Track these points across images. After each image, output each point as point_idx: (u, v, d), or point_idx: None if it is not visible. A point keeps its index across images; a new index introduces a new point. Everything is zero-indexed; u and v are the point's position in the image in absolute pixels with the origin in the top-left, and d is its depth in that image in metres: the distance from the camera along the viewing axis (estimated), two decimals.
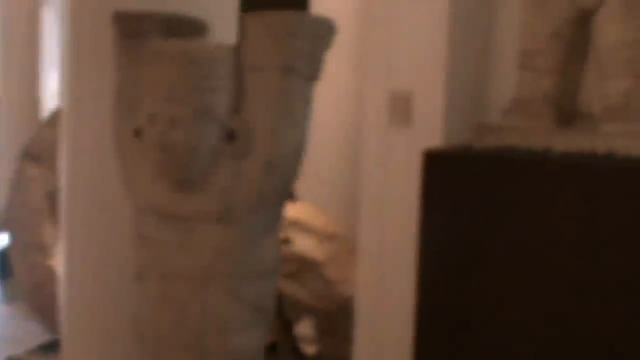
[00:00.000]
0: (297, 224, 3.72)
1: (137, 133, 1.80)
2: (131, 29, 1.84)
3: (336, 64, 3.18)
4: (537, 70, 2.11)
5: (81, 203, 2.39)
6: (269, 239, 1.82)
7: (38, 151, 4.07)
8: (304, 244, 3.79)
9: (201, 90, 1.70)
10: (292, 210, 3.44)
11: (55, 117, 3.99)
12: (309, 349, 4.03)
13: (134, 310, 1.89)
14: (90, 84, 2.37)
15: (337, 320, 3.63)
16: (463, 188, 1.92)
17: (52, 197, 3.88)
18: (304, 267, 3.73)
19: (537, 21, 2.10)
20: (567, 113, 2.10)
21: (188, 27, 1.92)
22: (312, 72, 1.76)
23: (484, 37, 2.37)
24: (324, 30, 1.76)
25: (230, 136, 1.74)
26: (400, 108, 2.47)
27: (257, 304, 1.82)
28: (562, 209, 1.84)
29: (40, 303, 3.92)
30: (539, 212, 1.86)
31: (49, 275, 3.83)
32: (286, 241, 3.67)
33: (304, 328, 4.02)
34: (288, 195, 1.84)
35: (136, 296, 1.89)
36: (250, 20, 1.75)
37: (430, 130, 2.42)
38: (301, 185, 3.92)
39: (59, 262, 3.42)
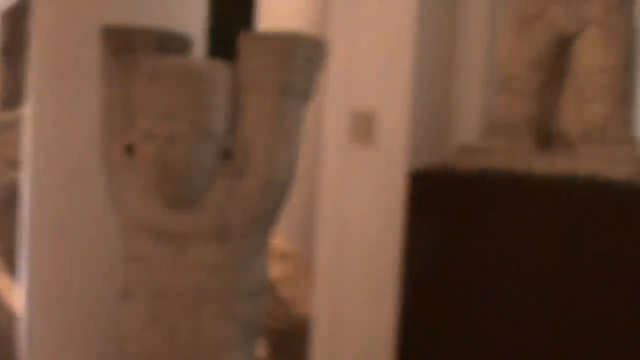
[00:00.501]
0: None
1: (129, 150, 1.79)
2: (122, 44, 1.82)
3: None
4: (519, 94, 2.17)
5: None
6: (260, 257, 1.82)
7: None
8: None
9: (199, 108, 1.69)
10: None
11: None
12: None
13: (119, 329, 1.87)
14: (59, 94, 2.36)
15: (290, 339, 3.63)
16: (448, 208, 1.96)
17: None
18: None
19: (519, 46, 2.17)
20: (545, 136, 2.17)
21: (177, 43, 1.91)
22: (306, 93, 1.77)
23: (449, 57, 2.42)
24: (319, 51, 1.79)
25: (226, 155, 1.74)
26: (362, 127, 2.50)
27: (249, 323, 1.81)
28: (545, 229, 1.90)
29: None
30: (523, 232, 1.92)
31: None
32: None
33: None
34: (279, 214, 1.85)
35: (122, 315, 1.86)
36: (248, 39, 1.75)
37: (393, 150, 2.45)
38: None
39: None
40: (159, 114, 1.70)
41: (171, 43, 1.89)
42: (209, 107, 1.71)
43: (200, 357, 1.77)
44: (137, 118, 1.74)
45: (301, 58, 1.74)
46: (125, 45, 1.81)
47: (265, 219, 1.79)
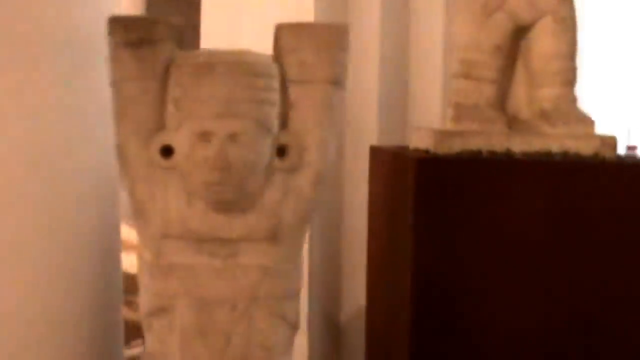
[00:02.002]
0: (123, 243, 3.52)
1: (166, 152, 1.64)
2: (141, 36, 1.65)
3: None
4: (483, 79, 2.28)
5: None
6: (301, 255, 1.78)
7: None
8: (130, 263, 3.58)
9: (260, 103, 1.60)
10: None
11: None
12: None
13: (152, 346, 1.72)
14: None
15: None
16: (456, 192, 2.02)
17: None
18: (132, 286, 3.51)
19: (481, 35, 2.28)
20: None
21: (187, 34, 1.78)
22: (344, 82, 1.75)
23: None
24: (348, 39, 1.77)
25: (280, 151, 1.67)
26: None
27: (295, 324, 1.76)
28: (535, 204, 2.04)
29: None
30: (519, 209, 2.04)
31: None
32: None
33: (135, 351, 3.82)
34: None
35: (156, 333, 1.71)
36: (291, 31, 1.68)
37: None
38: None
39: None
40: (216, 112, 1.58)
41: (184, 34, 1.76)
42: (268, 102, 1.62)
43: None
44: (181, 117, 1.60)
45: (346, 50, 1.72)
46: (146, 37, 1.65)
47: (312, 213, 1.74)
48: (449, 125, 2.25)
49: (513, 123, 2.30)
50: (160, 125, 1.65)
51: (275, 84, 1.64)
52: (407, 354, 2.06)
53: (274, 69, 1.64)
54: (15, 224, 2.11)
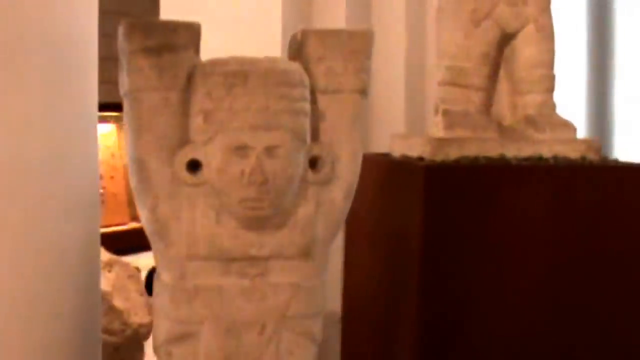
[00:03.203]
0: None
1: (192, 167, 1.53)
2: (161, 43, 1.53)
3: None
4: (472, 87, 2.30)
5: None
6: (327, 271, 1.70)
7: None
8: None
9: (295, 113, 1.52)
10: None
11: None
12: None
13: None
14: None
15: (127, 351, 3.34)
16: (462, 198, 2.01)
17: None
18: None
19: (469, 43, 2.29)
20: None
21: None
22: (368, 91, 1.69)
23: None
24: (372, 46, 1.71)
25: (312, 163, 1.59)
26: None
27: (320, 343, 1.69)
28: (534, 207, 2.08)
29: None
30: (520, 213, 2.07)
31: None
32: None
33: None
34: None
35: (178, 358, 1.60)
36: (318, 38, 1.60)
37: None
38: None
39: None
40: (251, 124, 1.49)
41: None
42: (303, 112, 1.55)
43: None
44: (212, 130, 1.50)
45: (370, 55, 1.66)
46: (168, 43, 1.54)
47: (341, 226, 1.68)
48: (442, 133, 2.25)
49: (500, 130, 2.32)
50: (183, 139, 1.54)
51: (308, 93, 1.57)
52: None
53: (306, 78, 1.57)
54: None
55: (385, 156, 2.42)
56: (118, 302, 3.55)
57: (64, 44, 2.13)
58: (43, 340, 2.09)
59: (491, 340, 2.08)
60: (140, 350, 3.81)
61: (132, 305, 3.83)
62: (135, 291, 3.92)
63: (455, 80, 2.32)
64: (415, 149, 2.28)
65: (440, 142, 2.19)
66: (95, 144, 2.44)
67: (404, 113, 3.08)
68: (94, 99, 2.37)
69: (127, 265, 3.98)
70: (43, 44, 2.08)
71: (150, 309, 3.93)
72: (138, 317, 3.79)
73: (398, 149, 2.44)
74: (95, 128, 2.42)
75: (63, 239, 2.16)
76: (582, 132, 2.62)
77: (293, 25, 2.76)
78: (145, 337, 3.91)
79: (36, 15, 2.08)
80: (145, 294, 4.06)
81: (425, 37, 3.14)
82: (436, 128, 2.32)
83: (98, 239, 2.45)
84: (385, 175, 2.06)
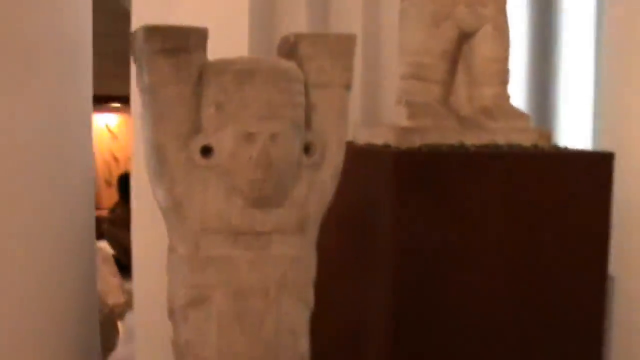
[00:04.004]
0: None
1: (205, 152, 1.75)
2: (177, 45, 1.75)
3: None
4: (431, 81, 2.56)
5: None
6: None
7: None
8: None
9: (294, 106, 1.77)
10: None
11: None
12: None
13: (188, 337, 1.83)
14: None
15: (103, 329, 3.51)
16: (431, 185, 2.26)
17: None
18: None
19: (430, 41, 2.54)
20: None
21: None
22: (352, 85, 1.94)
23: None
24: (355, 47, 1.96)
25: (306, 149, 1.83)
26: None
27: (312, 308, 1.93)
28: (492, 191, 2.34)
29: None
30: (480, 197, 2.32)
31: None
32: None
33: None
34: None
35: (192, 323, 1.82)
36: (310, 41, 1.86)
37: None
38: None
39: None
40: (259, 115, 1.72)
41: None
42: (300, 105, 1.80)
43: (282, 344, 1.85)
44: (223, 119, 1.73)
45: (353, 55, 1.90)
46: (181, 45, 1.75)
47: (328, 205, 1.92)
48: (405, 123, 2.50)
49: (458, 119, 2.58)
50: (195, 127, 1.77)
51: (303, 88, 1.81)
52: (388, 339, 2.30)
53: (301, 75, 1.81)
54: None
55: (350, 143, 2.66)
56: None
57: (63, 44, 2.32)
58: (51, 307, 2.30)
59: (457, 316, 2.35)
60: (115, 328, 4.01)
61: (107, 287, 4.02)
62: (109, 274, 4.12)
63: (416, 74, 2.57)
64: (379, 136, 2.52)
65: (405, 130, 2.44)
66: (90, 134, 2.63)
67: (360, 104, 3.32)
68: (89, 92, 2.57)
69: (100, 249, 4.16)
70: (46, 45, 2.28)
71: (122, 290, 4.13)
72: (113, 298, 3.99)
73: (361, 137, 2.69)
74: (90, 118, 2.62)
75: (61, 220, 2.37)
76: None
77: (259, 29, 3.00)
78: (120, 317, 4.12)
79: (40, 19, 2.28)
80: (119, 276, 4.25)
81: (379, 37, 3.38)
82: (399, 118, 2.57)
83: (93, 219, 2.65)
84: (352, 160, 2.31)
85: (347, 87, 1.89)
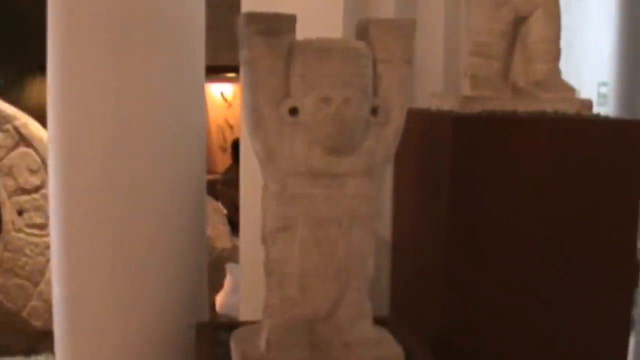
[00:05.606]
0: None
1: (293, 111, 2.25)
2: (271, 28, 2.25)
3: None
4: (492, 57, 3.00)
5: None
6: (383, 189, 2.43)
7: None
8: None
9: (362, 76, 2.24)
10: None
11: None
12: None
13: (277, 256, 2.33)
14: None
15: (212, 270, 4.08)
16: (484, 144, 2.71)
17: None
18: None
19: (491, 23, 2.98)
20: None
21: None
22: (412, 61, 2.40)
23: None
24: (415, 30, 2.41)
25: (373, 111, 2.30)
26: None
27: (377, 236, 2.41)
28: (549, 151, 2.78)
29: None
30: (538, 156, 2.77)
31: None
32: None
33: None
34: None
35: (280, 244, 2.33)
36: (377, 25, 2.33)
37: None
38: None
39: None
40: (333, 82, 2.21)
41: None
42: (367, 76, 2.26)
43: (352, 265, 2.34)
44: (307, 87, 2.22)
45: (413, 36, 2.36)
46: (275, 28, 2.25)
47: (391, 156, 2.39)
48: (468, 92, 2.94)
49: (514, 90, 3.00)
50: (285, 93, 2.27)
51: (370, 62, 2.28)
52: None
53: (369, 51, 2.28)
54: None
55: (425, 110, 3.12)
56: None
57: (179, 21, 2.89)
58: (167, 244, 2.88)
59: (504, 269, 2.79)
60: (222, 270, 4.60)
61: (216, 233, 4.62)
62: (219, 222, 4.72)
63: (479, 52, 3.01)
64: (447, 104, 2.98)
65: (467, 99, 2.88)
66: (203, 99, 3.18)
67: (442, 78, 3.75)
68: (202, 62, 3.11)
69: (212, 201, 4.77)
70: (165, 25, 2.84)
71: (230, 238, 4.73)
72: (221, 243, 4.60)
73: (435, 105, 3.14)
74: (202, 86, 3.17)
75: (176, 169, 2.93)
76: None
77: (351, 16, 3.46)
78: (226, 260, 4.72)
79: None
80: (227, 226, 4.85)
81: (458, 21, 3.81)
82: (464, 89, 3.02)
83: (204, 172, 3.20)
84: (424, 124, 2.73)
85: (408, 61, 2.34)
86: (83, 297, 2.82)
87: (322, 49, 2.23)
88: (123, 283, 2.81)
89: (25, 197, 5.34)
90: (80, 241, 2.82)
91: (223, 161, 10.15)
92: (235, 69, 4.31)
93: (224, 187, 7.84)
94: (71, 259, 2.85)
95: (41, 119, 5.58)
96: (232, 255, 4.55)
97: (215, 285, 4.41)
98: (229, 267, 4.55)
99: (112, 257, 2.79)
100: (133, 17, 2.77)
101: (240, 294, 3.79)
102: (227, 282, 4.65)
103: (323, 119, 2.23)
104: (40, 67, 5.67)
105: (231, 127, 11.10)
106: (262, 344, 2.35)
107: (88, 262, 2.81)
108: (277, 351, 2.33)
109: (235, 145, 8.37)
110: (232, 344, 2.47)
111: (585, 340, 2.85)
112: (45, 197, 5.12)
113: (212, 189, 3.29)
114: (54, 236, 2.89)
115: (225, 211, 5.18)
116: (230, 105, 11.35)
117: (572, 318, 2.85)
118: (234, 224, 5.29)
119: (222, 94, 11.34)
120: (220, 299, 4.60)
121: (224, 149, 10.81)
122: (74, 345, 2.91)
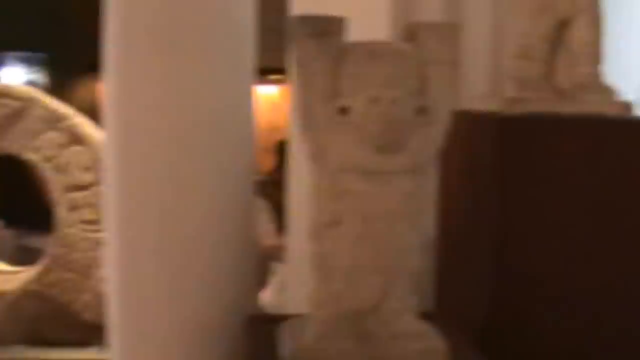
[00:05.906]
0: None
1: (342, 111, 2.35)
2: (323, 29, 2.35)
3: None
4: (535, 60, 3.07)
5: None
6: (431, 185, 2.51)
7: None
8: None
9: (409, 78, 2.33)
10: None
11: None
12: None
13: (325, 250, 2.43)
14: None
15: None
16: (529, 145, 2.79)
17: None
18: None
19: (534, 27, 3.07)
20: None
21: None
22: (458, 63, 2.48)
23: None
24: (459, 34, 2.49)
25: (420, 111, 2.39)
26: None
27: (425, 235, 2.50)
28: (589, 152, 2.85)
29: None
30: (578, 156, 2.84)
31: None
32: None
33: None
34: None
35: (328, 239, 2.43)
36: (424, 29, 2.42)
37: None
38: None
39: None
40: (382, 84, 2.30)
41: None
42: (414, 77, 2.35)
43: (398, 260, 2.42)
44: (357, 87, 2.32)
45: (458, 39, 2.45)
46: (325, 30, 2.36)
47: (437, 155, 2.48)
48: (512, 94, 3.02)
49: (556, 93, 3.07)
50: (335, 92, 2.36)
51: (417, 64, 2.36)
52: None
53: (416, 53, 2.37)
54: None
55: (467, 111, 3.20)
56: None
57: (236, 39, 3.01)
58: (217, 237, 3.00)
59: (556, 267, 2.86)
60: (269, 267, 4.72)
61: (264, 231, 4.73)
62: (266, 220, 4.85)
63: (523, 54, 3.09)
64: (491, 106, 3.05)
65: (510, 100, 2.96)
66: (250, 99, 3.29)
67: (481, 80, 3.83)
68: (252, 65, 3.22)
69: (259, 199, 4.89)
70: (215, 27, 2.97)
71: (276, 234, 4.84)
72: (269, 240, 4.72)
73: (477, 106, 3.21)
74: (251, 87, 3.28)
75: (227, 165, 3.05)
76: None
77: (399, 19, 3.55)
78: (273, 258, 4.83)
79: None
80: (274, 222, 4.97)
81: (502, 26, 3.88)
82: (508, 90, 3.09)
83: (254, 169, 3.31)
84: (468, 124, 2.80)
85: (454, 63, 2.42)
86: (138, 286, 2.95)
87: (372, 51, 2.32)
88: (176, 274, 2.93)
89: (78, 194, 5.54)
90: (136, 235, 2.95)
91: (266, 162, 10.32)
92: (280, 71, 4.40)
93: (269, 187, 7.97)
94: (126, 252, 2.98)
95: (92, 117, 5.79)
96: (277, 252, 4.66)
97: (261, 281, 4.52)
98: (275, 266, 4.67)
99: (168, 251, 2.91)
100: (190, 18, 2.90)
101: (286, 293, 3.90)
102: (273, 281, 4.77)
103: (372, 118, 2.32)
104: (90, 67, 5.87)
105: (276, 129, 11.27)
106: (311, 335, 2.45)
107: (144, 255, 2.93)
108: (326, 341, 2.43)
109: (280, 146, 8.49)
110: (282, 335, 2.57)
111: None
112: (97, 194, 5.30)
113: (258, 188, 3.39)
114: (111, 229, 3.02)
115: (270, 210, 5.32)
116: (274, 107, 11.53)
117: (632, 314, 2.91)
118: (277, 224, 5.41)
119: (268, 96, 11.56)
120: (265, 296, 4.72)
121: (267, 150, 10.97)
122: (128, 334, 3.04)
